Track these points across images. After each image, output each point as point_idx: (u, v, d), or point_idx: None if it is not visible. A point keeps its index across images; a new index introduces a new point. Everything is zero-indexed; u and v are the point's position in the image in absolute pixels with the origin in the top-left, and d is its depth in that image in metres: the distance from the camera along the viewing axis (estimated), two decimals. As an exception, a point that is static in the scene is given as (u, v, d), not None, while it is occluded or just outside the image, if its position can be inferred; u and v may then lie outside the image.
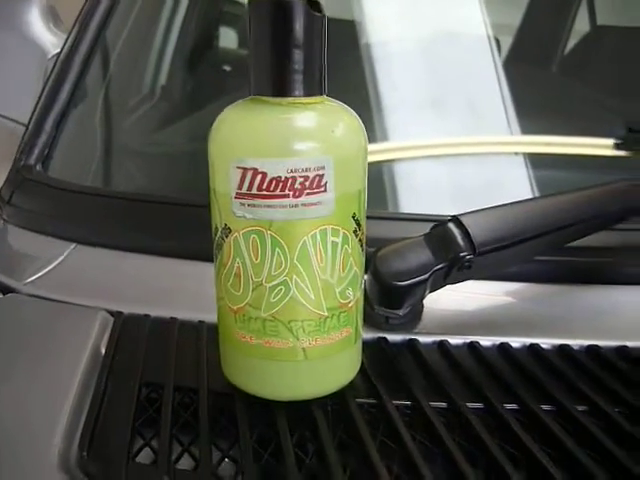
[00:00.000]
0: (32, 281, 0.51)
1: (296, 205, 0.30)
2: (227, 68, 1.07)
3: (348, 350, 0.35)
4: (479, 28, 0.90)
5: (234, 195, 0.31)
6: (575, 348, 0.41)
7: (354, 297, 0.34)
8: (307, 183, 0.30)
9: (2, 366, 0.40)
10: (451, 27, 0.87)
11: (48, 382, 0.38)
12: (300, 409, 0.34)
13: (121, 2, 0.81)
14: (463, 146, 0.67)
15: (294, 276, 0.31)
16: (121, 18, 0.81)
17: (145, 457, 0.33)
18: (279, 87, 0.31)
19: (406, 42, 0.90)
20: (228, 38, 1.18)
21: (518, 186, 0.62)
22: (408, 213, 0.48)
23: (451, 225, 0.41)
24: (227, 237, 0.32)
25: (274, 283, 0.32)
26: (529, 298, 0.46)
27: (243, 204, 0.31)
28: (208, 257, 0.41)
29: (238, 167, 0.30)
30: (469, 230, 0.40)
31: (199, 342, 0.41)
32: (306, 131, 0.31)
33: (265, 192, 0.30)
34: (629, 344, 0.41)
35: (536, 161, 0.64)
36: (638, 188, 0.44)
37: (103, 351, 0.41)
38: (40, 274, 0.52)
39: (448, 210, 0.44)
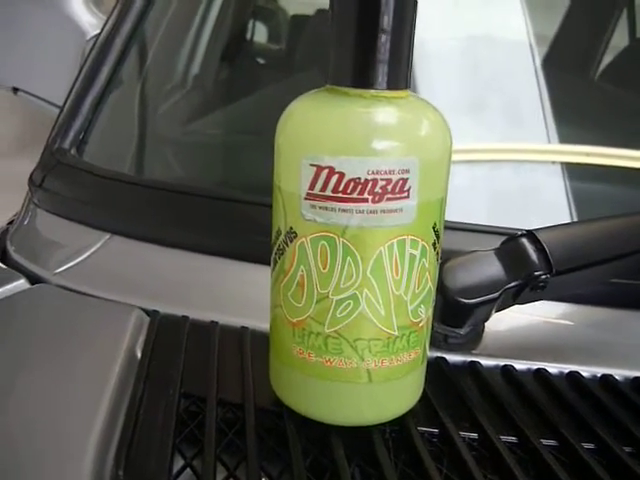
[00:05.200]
0: (63, 271, 0.48)
1: (375, 211, 0.27)
2: (262, 61, 1.06)
3: (414, 374, 0.31)
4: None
5: (304, 195, 0.28)
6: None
7: (426, 316, 0.30)
8: (389, 187, 0.27)
9: (30, 365, 0.37)
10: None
11: (80, 386, 0.35)
12: (358, 436, 0.31)
13: None
14: (531, 153, 0.64)
15: (365, 290, 0.28)
16: (161, 5, 0.79)
17: (185, 477, 0.30)
18: (361, 77, 0.27)
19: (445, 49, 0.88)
20: (260, 32, 1.16)
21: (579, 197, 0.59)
22: (476, 224, 0.45)
23: (525, 240, 0.37)
24: (292, 241, 0.29)
25: (342, 296, 0.28)
26: (601, 323, 0.42)
27: (314, 206, 0.27)
28: (255, 258, 0.38)
29: (312, 164, 0.27)
30: (545, 247, 0.36)
31: (243, 351, 0.38)
32: (391, 129, 0.27)
33: (341, 194, 0.27)
34: None
35: (603, 174, 0.60)
36: None
37: (139, 354, 0.38)
38: (71, 264, 0.49)
39: (516, 222, 0.41)
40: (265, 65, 0.99)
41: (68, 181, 0.57)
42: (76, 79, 0.72)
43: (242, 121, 0.69)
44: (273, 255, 0.31)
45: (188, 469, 0.30)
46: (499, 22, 0.93)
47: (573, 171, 0.67)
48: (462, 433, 0.32)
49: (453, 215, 0.58)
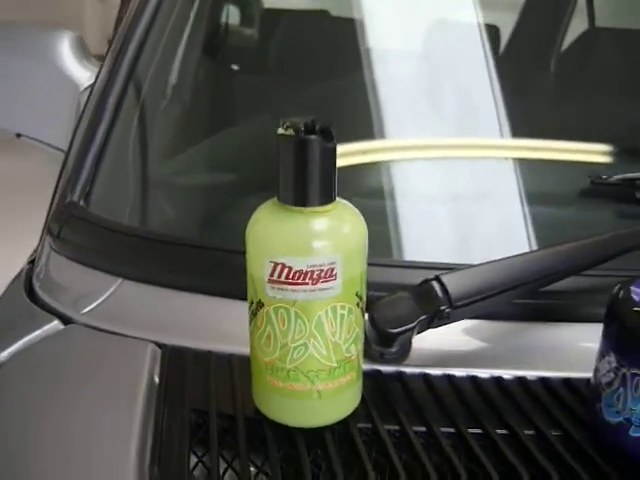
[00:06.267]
0: (87, 312, 0.61)
1: (313, 290, 0.41)
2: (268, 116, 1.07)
3: (351, 389, 0.46)
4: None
5: (267, 280, 0.41)
6: (530, 379, 0.52)
7: (356, 351, 0.45)
8: (322, 274, 0.40)
9: (74, 396, 0.51)
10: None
11: (117, 408, 0.49)
12: (315, 434, 0.45)
13: (152, 36, 0.88)
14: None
15: (312, 339, 0.42)
16: (152, 53, 0.89)
17: (199, 470, 0.44)
18: (300, 200, 0.41)
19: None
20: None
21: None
22: (404, 261, 0.58)
23: (434, 283, 0.51)
24: (261, 309, 0.42)
25: (297, 344, 0.42)
26: (496, 334, 0.57)
27: (274, 287, 0.41)
28: (239, 296, 0.50)
29: (270, 261, 0.41)
30: (447, 288, 0.50)
31: (232, 373, 0.52)
32: (322, 234, 0.41)
33: (291, 280, 0.40)
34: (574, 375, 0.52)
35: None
36: (578, 250, 0.54)
37: (157, 380, 0.52)
38: (93, 306, 0.62)
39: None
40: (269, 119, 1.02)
41: (81, 233, 0.70)
42: (75, 132, 0.84)
43: (244, 175, 0.80)
44: (250, 314, 0.44)
45: (200, 464, 0.44)
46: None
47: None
48: (386, 426, 0.46)
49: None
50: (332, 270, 0.40)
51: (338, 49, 1.04)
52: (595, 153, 0.92)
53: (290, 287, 0.41)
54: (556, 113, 1.02)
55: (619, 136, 0.90)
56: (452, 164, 0.88)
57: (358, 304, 0.43)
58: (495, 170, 0.86)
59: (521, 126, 0.90)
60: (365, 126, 0.86)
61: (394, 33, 1.07)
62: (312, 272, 0.40)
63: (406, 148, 0.91)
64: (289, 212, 0.41)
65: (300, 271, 0.40)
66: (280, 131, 0.40)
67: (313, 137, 0.39)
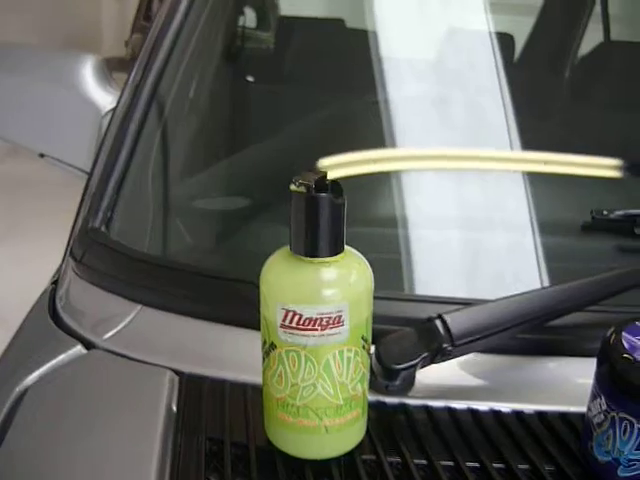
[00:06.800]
0: (109, 338, 0.64)
1: (322, 335, 0.44)
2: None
3: (357, 424, 0.49)
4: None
5: (279, 325, 0.44)
6: (527, 412, 0.55)
7: (362, 389, 0.48)
8: (330, 321, 0.43)
9: (97, 420, 0.54)
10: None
11: (137, 433, 0.52)
12: (322, 465, 0.48)
13: (173, 61, 0.91)
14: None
15: (320, 380, 0.45)
16: (173, 78, 0.92)
17: (213, 497, 0.47)
18: (311, 251, 0.44)
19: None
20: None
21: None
22: (410, 295, 0.61)
23: (437, 321, 0.54)
24: (273, 350, 0.46)
25: (306, 384, 0.45)
26: (496, 368, 0.59)
27: (285, 332, 0.44)
28: (255, 326, 0.53)
29: (282, 308, 0.44)
30: (449, 326, 0.53)
31: (246, 402, 0.55)
32: (330, 284, 0.44)
33: (301, 326, 0.44)
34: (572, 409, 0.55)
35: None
36: (580, 288, 0.57)
37: (174, 408, 0.55)
38: (114, 331, 0.65)
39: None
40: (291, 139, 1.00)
41: (102, 259, 0.73)
42: (97, 156, 0.88)
43: (264, 203, 0.83)
44: (263, 354, 0.47)
45: (215, 491, 0.47)
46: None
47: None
48: (389, 459, 0.49)
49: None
50: (340, 317, 0.44)
51: (355, 59, 1.07)
52: (606, 167, 0.94)
53: (301, 332, 0.44)
54: (569, 125, 1.04)
55: (631, 150, 0.92)
56: (460, 186, 0.90)
57: (364, 346, 0.46)
58: (503, 193, 0.89)
59: (534, 138, 0.92)
60: (380, 137, 0.89)
61: (409, 43, 1.09)
62: (321, 319, 0.43)
63: (418, 158, 0.93)
64: (300, 262, 0.44)
65: (310, 318, 0.43)
66: (292, 188, 0.43)
67: (323, 195, 0.42)
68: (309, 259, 0.44)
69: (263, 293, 0.46)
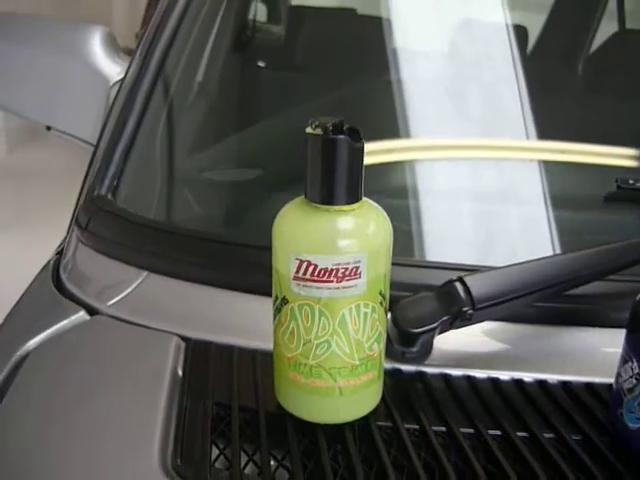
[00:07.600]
0: (113, 304, 0.62)
1: (338, 287, 0.41)
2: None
3: (372, 387, 0.46)
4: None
5: (292, 277, 0.42)
6: (551, 382, 0.52)
7: (379, 349, 0.45)
8: (347, 272, 0.41)
9: (101, 384, 0.52)
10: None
11: (141, 397, 0.50)
12: (336, 430, 0.46)
13: (181, 32, 0.89)
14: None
15: (335, 336, 0.42)
16: (181, 49, 0.90)
17: (220, 463, 0.44)
18: (327, 198, 0.41)
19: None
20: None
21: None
22: (428, 261, 0.59)
23: (457, 284, 0.51)
24: (285, 305, 0.43)
25: (320, 341, 0.43)
26: (517, 337, 0.57)
27: (299, 284, 0.42)
28: (263, 292, 0.51)
29: (296, 258, 0.41)
30: (470, 289, 0.51)
31: (255, 368, 0.52)
32: (347, 233, 0.41)
33: (316, 278, 0.41)
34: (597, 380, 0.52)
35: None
36: (603, 255, 0.54)
37: (180, 373, 0.52)
38: (119, 298, 0.63)
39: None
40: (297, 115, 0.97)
41: (108, 226, 0.71)
42: (104, 125, 0.86)
43: (271, 170, 0.81)
44: (274, 310, 0.45)
45: (222, 457, 0.45)
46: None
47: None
48: (406, 425, 0.47)
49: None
50: (357, 269, 0.41)
51: (366, 48, 1.05)
52: (622, 157, 0.91)
53: (315, 284, 0.41)
54: (584, 115, 1.02)
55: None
56: (478, 165, 0.88)
57: (381, 303, 0.43)
58: (521, 171, 0.86)
59: (548, 127, 0.89)
60: (392, 125, 0.87)
61: (422, 32, 1.07)
62: (337, 270, 0.41)
63: (433, 148, 0.91)
64: (316, 210, 0.41)
65: (325, 269, 0.41)
66: (308, 130, 0.40)
67: (341, 137, 0.40)
68: (325, 207, 0.41)
69: (275, 244, 0.43)
